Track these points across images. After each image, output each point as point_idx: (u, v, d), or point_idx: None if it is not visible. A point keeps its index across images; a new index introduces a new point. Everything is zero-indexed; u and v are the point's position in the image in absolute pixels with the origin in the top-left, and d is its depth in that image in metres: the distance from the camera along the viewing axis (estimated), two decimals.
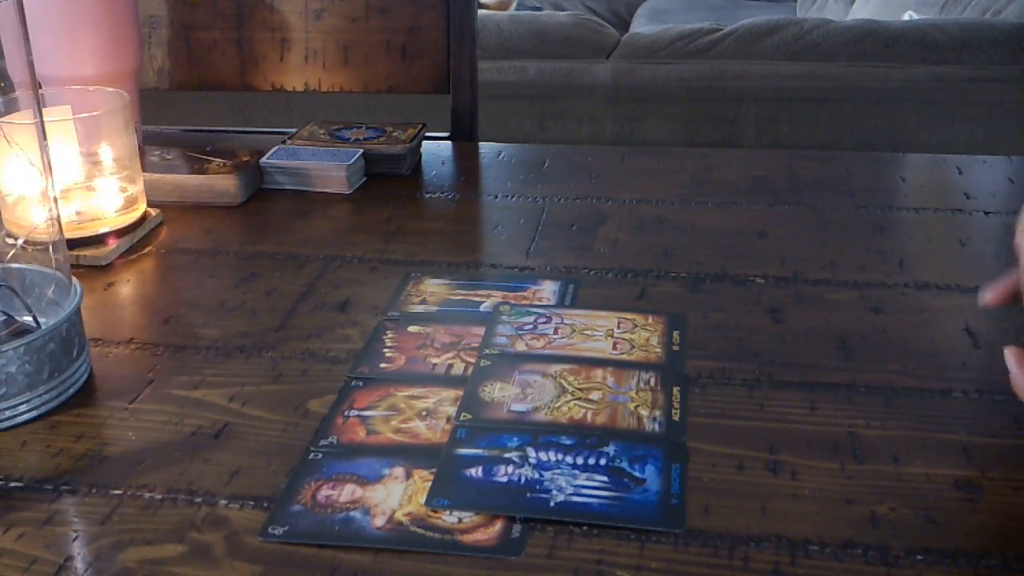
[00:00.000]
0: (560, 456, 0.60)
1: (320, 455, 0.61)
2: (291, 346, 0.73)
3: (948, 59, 2.06)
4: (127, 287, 0.84)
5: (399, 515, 0.56)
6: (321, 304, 0.79)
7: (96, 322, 0.77)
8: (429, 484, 0.58)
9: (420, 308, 0.78)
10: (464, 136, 1.21)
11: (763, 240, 0.89)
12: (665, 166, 1.07)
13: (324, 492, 0.58)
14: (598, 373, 0.69)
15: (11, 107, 0.78)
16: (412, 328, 0.75)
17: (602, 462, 0.60)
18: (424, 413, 0.65)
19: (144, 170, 0.95)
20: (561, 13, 2.49)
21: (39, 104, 0.70)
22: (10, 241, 0.74)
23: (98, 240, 0.87)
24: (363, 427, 0.64)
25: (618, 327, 0.74)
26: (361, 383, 0.68)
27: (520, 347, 0.72)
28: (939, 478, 0.58)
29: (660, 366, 0.70)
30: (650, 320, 0.75)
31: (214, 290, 0.82)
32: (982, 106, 2.05)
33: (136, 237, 0.90)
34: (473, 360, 0.70)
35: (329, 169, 1.01)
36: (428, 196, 1.01)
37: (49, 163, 0.70)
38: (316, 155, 1.03)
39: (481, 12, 2.07)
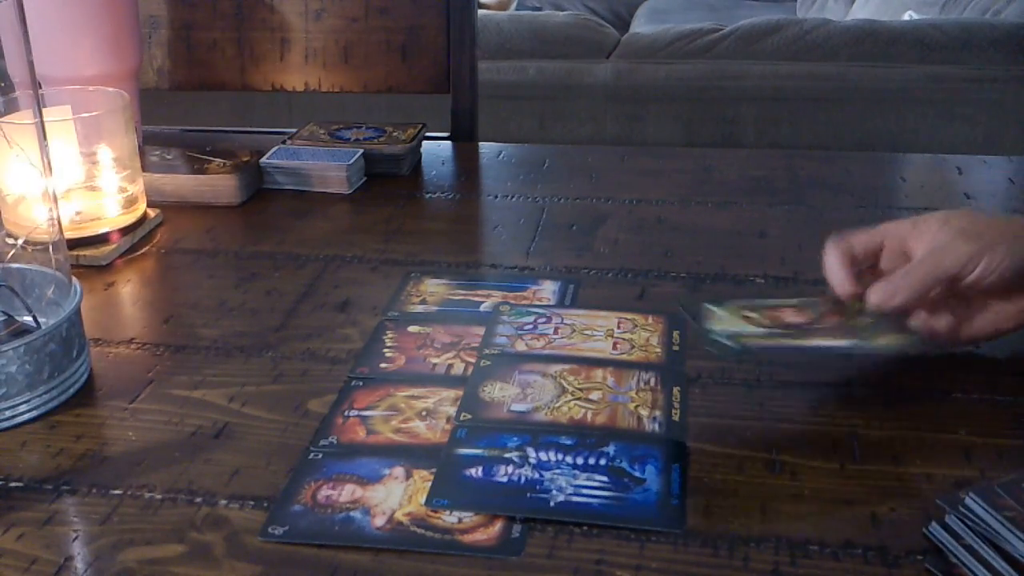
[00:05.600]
0: (560, 456, 0.60)
1: (320, 455, 0.61)
2: (291, 346, 0.73)
3: (948, 59, 2.06)
4: (127, 287, 0.84)
5: (399, 515, 0.56)
6: (321, 304, 0.79)
7: (96, 322, 0.77)
8: (429, 484, 0.58)
9: (420, 308, 0.78)
10: (464, 136, 1.21)
11: (763, 240, 0.89)
12: (665, 166, 1.07)
13: (324, 492, 0.58)
14: (598, 373, 0.69)
15: (11, 107, 0.78)
16: (412, 328, 0.75)
17: (602, 462, 0.60)
18: (424, 413, 0.65)
19: (144, 170, 0.95)
20: (561, 13, 2.50)
21: (39, 104, 0.70)
22: (10, 241, 0.74)
23: (98, 240, 0.87)
24: (363, 427, 0.64)
25: (618, 327, 0.74)
26: (361, 383, 0.68)
27: (520, 347, 0.72)
28: (939, 478, 0.58)
29: (660, 366, 0.70)
30: (650, 320, 0.75)
31: (214, 290, 0.82)
32: (982, 106, 2.05)
33: (136, 237, 0.90)
34: (473, 360, 0.70)
35: (329, 169, 1.01)
36: (428, 196, 1.01)
37: (49, 163, 0.70)
38: (316, 155, 1.03)
39: (481, 12, 2.07)
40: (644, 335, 0.73)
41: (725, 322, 0.61)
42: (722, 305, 0.64)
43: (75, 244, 0.85)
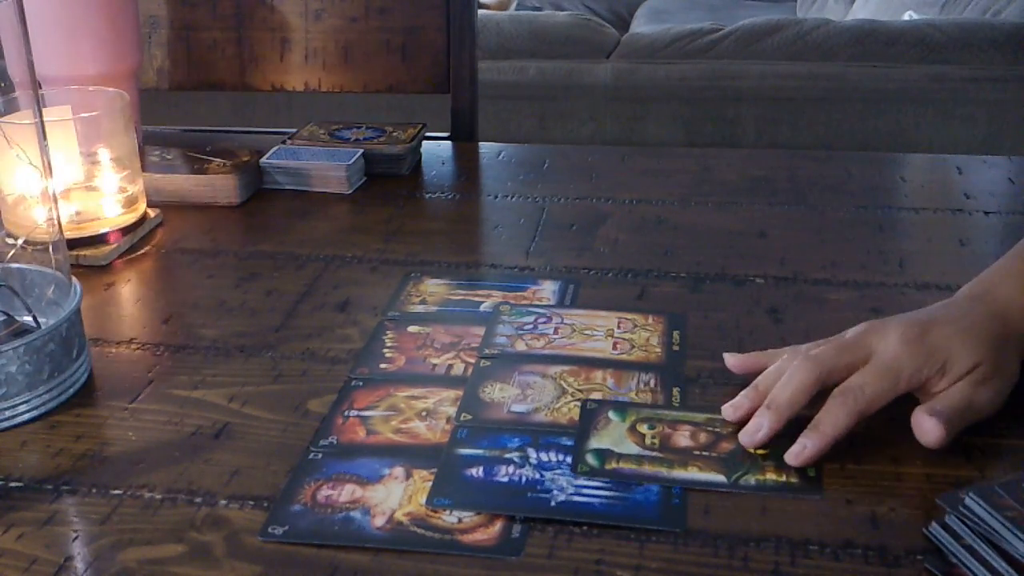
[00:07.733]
0: (561, 456, 0.60)
1: (320, 455, 0.61)
2: (291, 346, 0.73)
3: (948, 59, 2.06)
4: (127, 287, 0.84)
5: (399, 515, 0.56)
6: (321, 304, 0.79)
7: (96, 322, 0.77)
8: (429, 484, 0.58)
9: (420, 308, 0.78)
10: (464, 136, 1.21)
11: (763, 240, 0.89)
12: (665, 166, 1.07)
13: (324, 492, 0.58)
14: (598, 374, 0.68)
15: (11, 107, 0.78)
16: (412, 328, 0.75)
17: None
18: (424, 413, 0.65)
19: (144, 170, 0.95)
20: (561, 13, 2.50)
21: (39, 104, 0.70)
22: (10, 241, 0.74)
23: (98, 240, 0.87)
24: (363, 427, 0.64)
25: (618, 327, 0.74)
26: (361, 383, 0.68)
27: (520, 347, 0.72)
28: (939, 478, 0.58)
29: (660, 366, 0.70)
30: (650, 320, 0.75)
31: (214, 290, 0.82)
32: (982, 106, 2.05)
33: (136, 237, 0.90)
34: (473, 360, 0.70)
35: (329, 169, 1.01)
36: (428, 196, 1.01)
37: (49, 163, 0.70)
38: (316, 155, 1.03)
39: (481, 12, 2.07)
40: (644, 335, 0.73)
41: (610, 436, 0.61)
42: (625, 413, 0.64)
43: (75, 244, 0.85)
